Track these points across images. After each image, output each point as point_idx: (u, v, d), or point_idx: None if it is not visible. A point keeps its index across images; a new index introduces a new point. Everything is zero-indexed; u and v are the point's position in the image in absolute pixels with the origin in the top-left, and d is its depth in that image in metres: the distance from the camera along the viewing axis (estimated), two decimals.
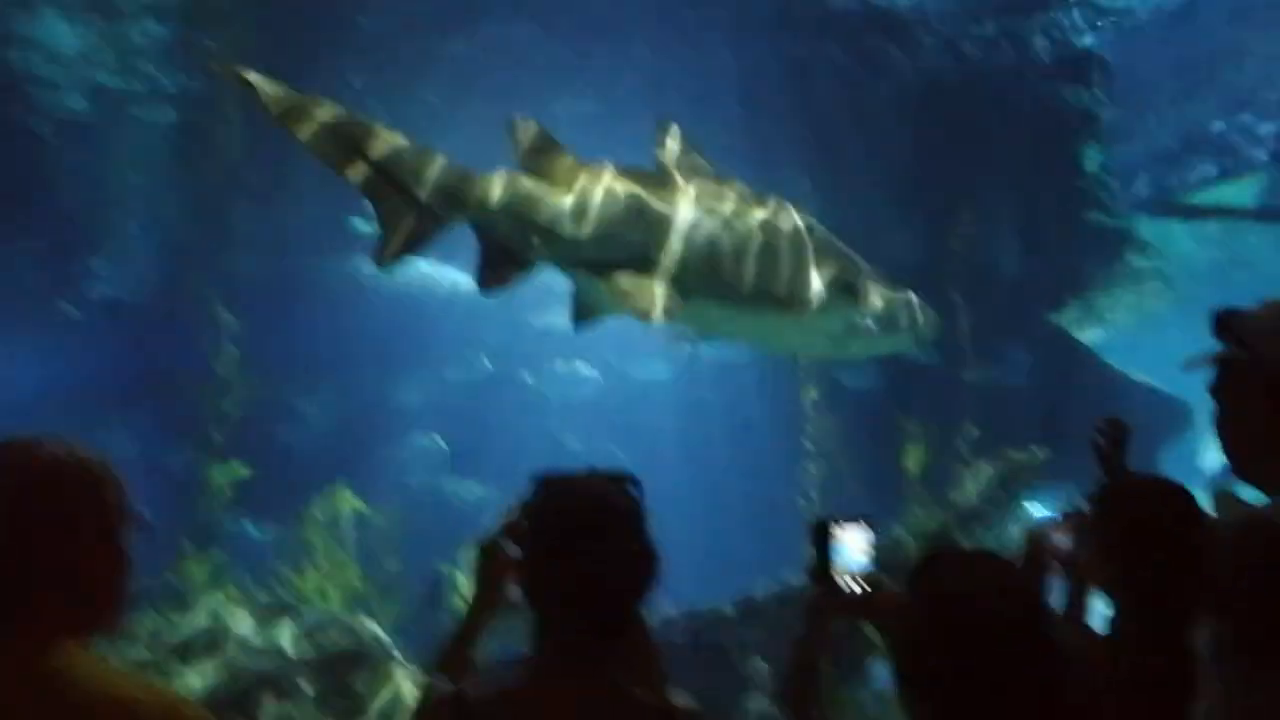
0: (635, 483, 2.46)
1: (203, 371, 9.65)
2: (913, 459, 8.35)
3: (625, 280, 5.71)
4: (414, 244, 5.55)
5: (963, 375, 9.32)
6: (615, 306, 5.92)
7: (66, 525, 2.01)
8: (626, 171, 5.97)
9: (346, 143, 5.37)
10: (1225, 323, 2.47)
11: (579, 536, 2.35)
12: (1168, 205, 11.45)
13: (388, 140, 5.44)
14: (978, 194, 10.59)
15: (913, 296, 6.83)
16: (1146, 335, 14.84)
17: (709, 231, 5.92)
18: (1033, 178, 11.11)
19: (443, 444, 13.40)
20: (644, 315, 5.70)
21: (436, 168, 5.53)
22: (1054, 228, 11.85)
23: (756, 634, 7.47)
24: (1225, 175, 10.42)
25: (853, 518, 2.66)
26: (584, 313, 6.19)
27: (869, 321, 6.57)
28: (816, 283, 6.21)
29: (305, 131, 5.31)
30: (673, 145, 6.20)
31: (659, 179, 6.04)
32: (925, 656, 2.06)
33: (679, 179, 6.07)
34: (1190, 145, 10.60)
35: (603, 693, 2.40)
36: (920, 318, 6.82)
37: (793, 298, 6.14)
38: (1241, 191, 12.20)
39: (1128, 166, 10.99)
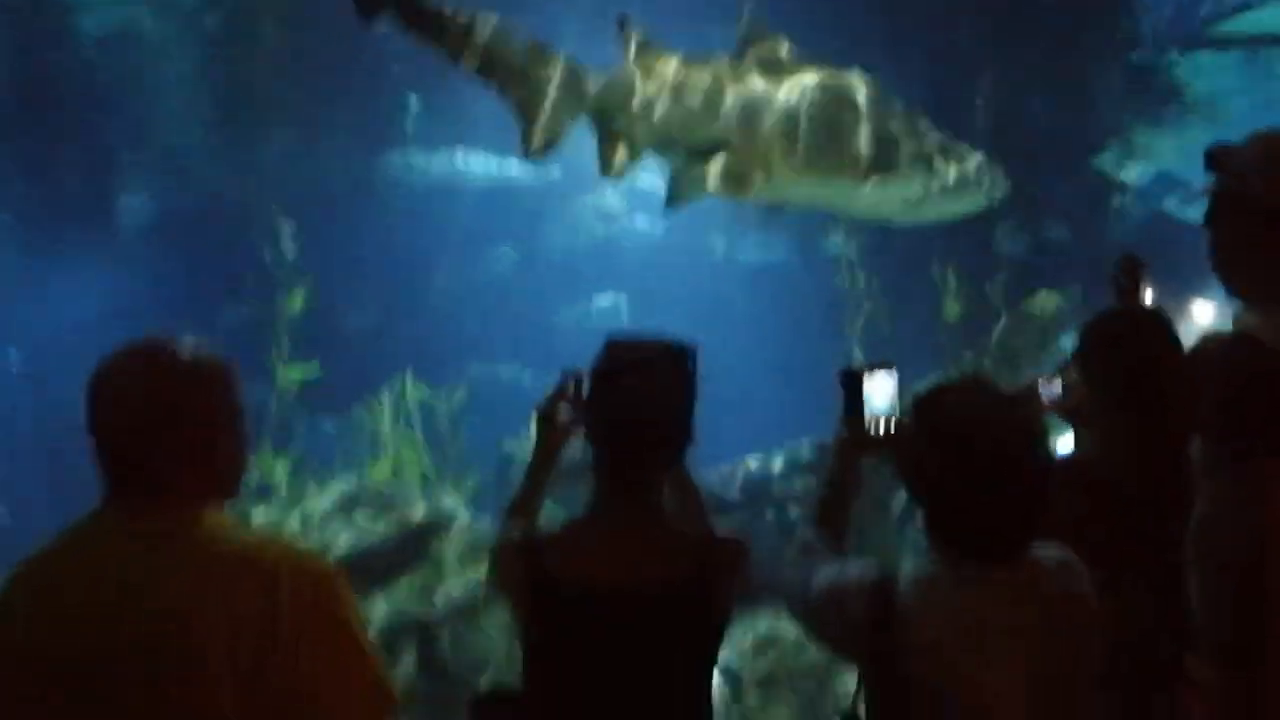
0: (687, 346, 2.77)
1: (264, 275, 9.97)
2: (951, 309, 8.60)
3: (717, 163, 6.19)
4: (551, 137, 6.03)
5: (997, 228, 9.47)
6: (708, 188, 6.35)
7: (206, 411, 2.30)
8: (716, 60, 6.43)
9: (480, 45, 5.82)
10: (1217, 157, 2.65)
11: (631, 377, 2.66)
12: (1197, 37, 11.23)
13: (519, 41, 5.91)
14: (1005, 38, 10.52)
15: (981, 159, 7.14)
16: (1195, 170, 14.67)
17: (792, 110, 6.36)
18: (1059, 16, 10.97)
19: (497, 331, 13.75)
20: (734, 195, 6.26)
21: (561, 66, 6.02)
22: (1085, 68, 11.74)
23: (800, 484, 7.85)
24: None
25: (878, 365, 2.90)
26: (678, 196, 6.61)
27: (944, 187, 6.93)
28: (894, 152, 6.64)
29: (440, 36, 5.76)
30: (753, 29, 6.62)
31: (744, 64, 6.48)
32: (926, 468, 2.36)
33: (762, 62, 6.49)
34: None
35: (654, 527, 2.73)
36: (990, 180, 7.15)
37: (872, 168, 6.54)
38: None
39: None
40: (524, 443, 8.99)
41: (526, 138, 6.05)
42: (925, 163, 6.77)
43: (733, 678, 6.24)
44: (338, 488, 7.09)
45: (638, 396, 2.64)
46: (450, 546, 6.30)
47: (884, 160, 6.60)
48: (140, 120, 12.03)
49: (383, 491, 6.99)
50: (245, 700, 2.10)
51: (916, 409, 2.44)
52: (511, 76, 5.94)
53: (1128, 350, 2.89)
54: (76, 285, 12.11)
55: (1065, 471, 2.92)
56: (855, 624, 2.38)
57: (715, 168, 6.21)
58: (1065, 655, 2.36)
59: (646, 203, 13.88)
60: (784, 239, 12.78)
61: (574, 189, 13.84)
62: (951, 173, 6.92)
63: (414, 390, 9.83)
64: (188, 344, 2.32)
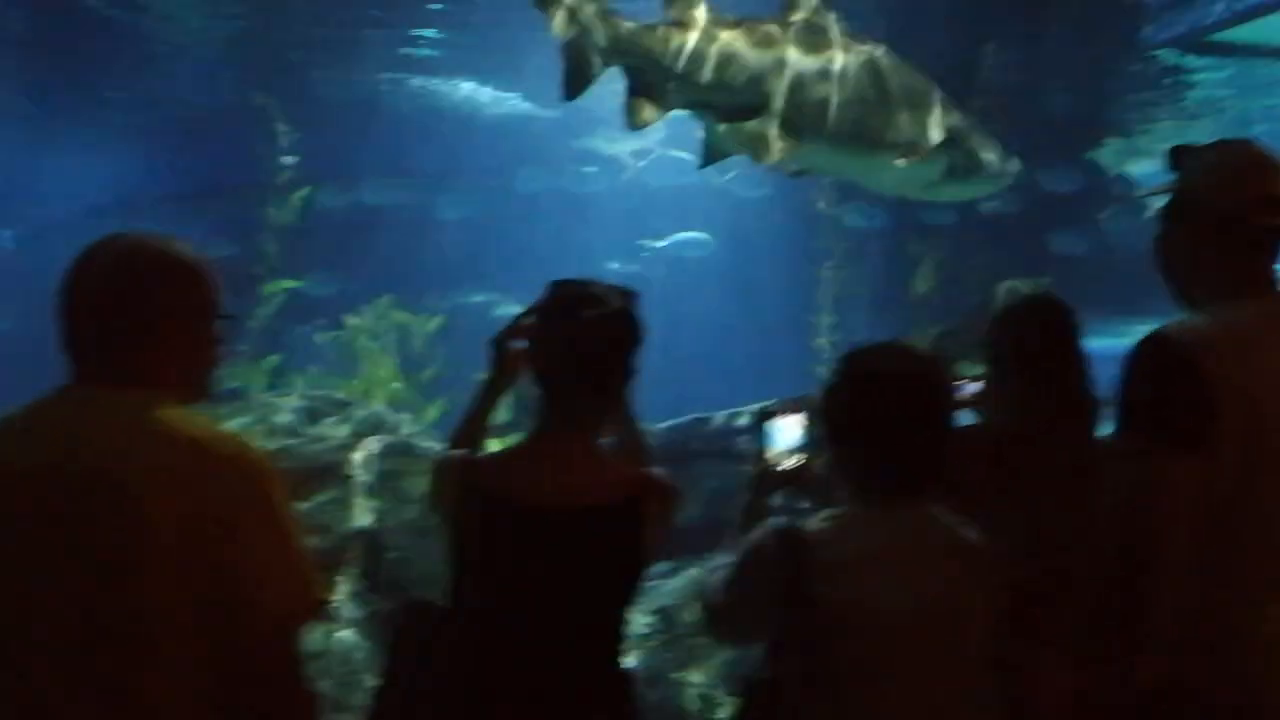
0: (633, 291, 2.93)
1: (263, 182, 10.05)
2: (922, 280, 8.80)
3: (749, 126, 6.32)
4: (587, 83, 6.20)
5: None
6: (739, 149, 6.52)
7: (176, 304, 2.37)
8: (754, 24, 6.51)
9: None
10: (1177, 156, 2.78)
11: (579, 308, 2.82)
12: (1197, 42, 11.29)
13: None
14: (1013, 29, 10.58)
15: (998, 146, 7.33)
16: None
17: (825, 81, 6.49)
18: (1071, 11, 11.03)
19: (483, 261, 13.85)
20: (763, 158, 6.36)
21: (606, 18, 6.17)
22: (1092, 64, 11.82)
23: (743, 441, 8.01)
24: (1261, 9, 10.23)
25: (789, 408, 3.10)
26: (711, 155, 6.77)
27: (963, 170, 7.11)
28: (919, 132, 6.78)
29: None
30: None
31: (781, 32, 6.57)
32: (842, 415, 2.62)
33: (804, 31, 6.60)
34: None
35: (591, 457, 2.89)
36: (1004, 167, 7.34)
37: (897, 145, 6.73)
38: None
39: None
40: None
41: (568, 77, 6.19)
42: (948, 146, 6.92)
43: (665, 618, 6.44)
44: (297, 399, 7.21)
45: (584, 331, 2.80)
46: (415, 475, 6.44)
47: (910, 140, 6.76)
48: (147, 23, 12.01)
49: (346, 406, 7.12)
50: (181, 578, 2.19)
51: (839, 365, 2.68)
52: (565, 16, 6.10)
53: (1024, 330, 3.16)
54: (89, 176, 12.19)
55: (962, 439, 3.15)
56: (770, 568, 2.55)
57: (750, 131, 6.34)
58: (963, 590, 2.57)
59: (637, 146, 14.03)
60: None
61: (575, 130, 13.90)
62: (970, 157, 7.08)
63: (394, 313, 10.00)
64: (168, 240, 2.40)
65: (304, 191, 9.95)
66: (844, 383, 2.65)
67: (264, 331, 9.50)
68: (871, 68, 6.67)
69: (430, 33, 11.84)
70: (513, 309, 11.50)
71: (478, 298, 13.79)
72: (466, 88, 13.89)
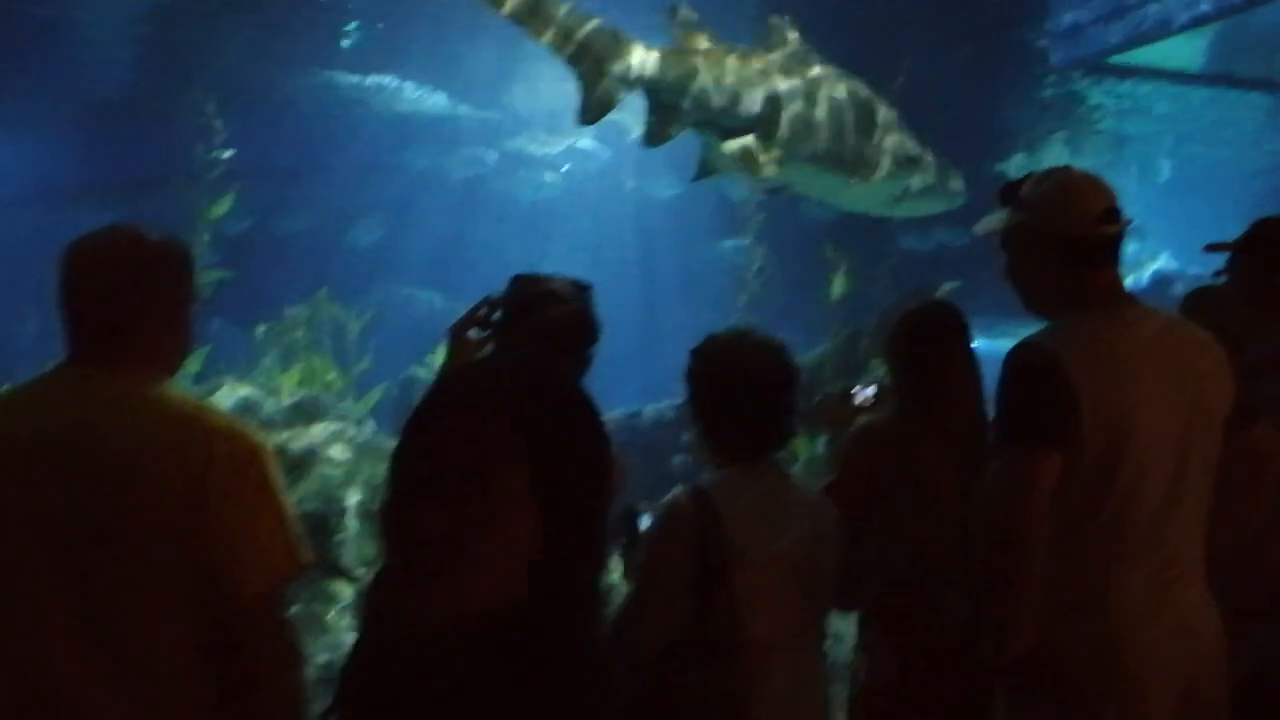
0: (587, 285, 3.20)
1: (191, 175, 10.08)
2: (838, 285, 9.29)
3: (742, 144, 6.87)
4: (605, 106, 6.64)
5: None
6: (732, 165, 7.06)
7: (167, 288, 2.55)
8: (749, 52, 7.11)
9: (555, 20, 6.40)
10: (1008, 191, 3.11)
11: (543, 305, 3.08)
12: (1101, 65, 11.86)
13: (586, 20, 6.49)
14: (927, 43, 11.04)
15: (951, 167, 8.00)
16: None
17: (810, 105, 7.09)
18: (980, 28, 11.50)
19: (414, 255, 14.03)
20: (754, 174, 6.95)
21: (622, 44, 6.60)
22: (1001, 80, 12.33)
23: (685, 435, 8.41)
24: (1161, 33, 10.80)
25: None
26: (706, 169, 7.33)
27: (920, 188, 7.76)
28: (886, 154, 7.43)
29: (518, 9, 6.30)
30: (780, 31, 7.32)
31: (773, 59, 7.17)
32: (703, 393, 3.04)
33: (787, 60, 7.21)
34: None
35: None
36: (955, 186, 8.03)
37: (865, 165, 7.37)
38: (1189, 49, 12.54)
39: (1069, 23, 11.38)
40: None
41: (583, 106, 6.60)
42: (908, 167, 7.57)
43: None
44: (242, 390, 7.36)
45: (548, 328, 3.06)
46: (349, 454, 6.68)
47: (877, 161, 7.39)
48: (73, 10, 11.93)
49: (288, 397, 7.30)
50: (178, 541, 2.36)
51: (698, 352, 3.08)
52: (580, 51, 6.48)
53: (917, 332, 3.57)
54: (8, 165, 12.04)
55: (866, 433, 3.59)
56: (689, 520, 2.90)
57: (740, 147, 6.86)
58: (811, 536, 2.99)
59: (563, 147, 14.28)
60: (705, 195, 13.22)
61: (508, 130, 14.14)
62: (926, 177, 7.74)
63: (328, 307, 10.16)
64: (154, 231, 2.60)
65: (229, 190, 9.99)
66: (703, 367, 3.05)
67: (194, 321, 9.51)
68: (846, 97, 7.27)
69: (353, 25, 11.95)
70: (439, 302, 11.72)
71: (403, 291, 13.97)
72: (391, 84, 14.03)
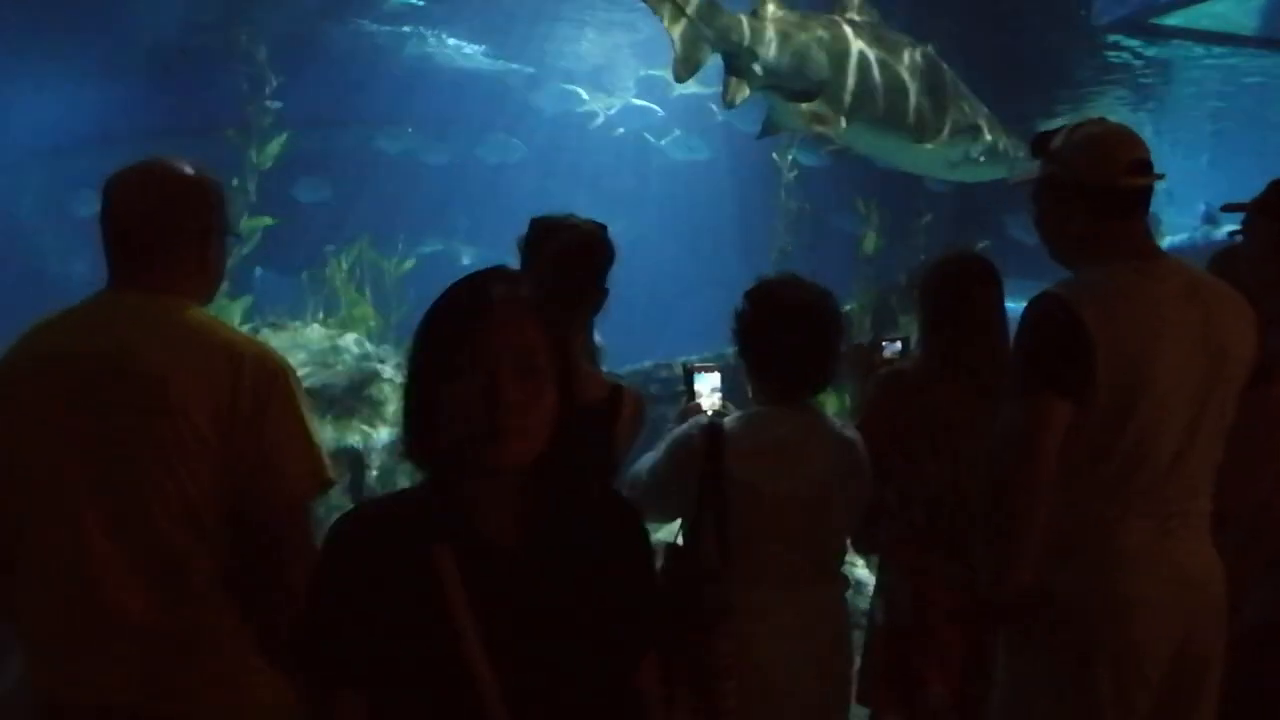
0: (601, 225, 3.33)
1: (240, 122, 10.19)
2: (869, 240, 9.35)
3: (810, 105, 7.23)
4: (696, 64, 7.03)
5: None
6: (798, 124, 7.42)
7: (202, 217, 2.64)
8: (817, 18, 7.40)
9: None
10: (1040, 142, 3.14)
11: (558, 229, 3.25)
12: (1148, 25, 11.68)
13: None
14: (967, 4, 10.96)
15: (1013, 134, 8.26)
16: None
17: (874, 70, 7.40)
18: None
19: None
20: (820, 133, 7.33)
21: (710, 8, 6.95)
22: (1047, 36, 12.21)
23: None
24: None
25: (707, 366, 3.62)
26: (772, 127, 7.74)
27: (981, 154, 8.08)
28: (947, 119, 7.76)
29: None
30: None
31: (839, 25, 7.49)
32: (755, 331, 3.16)
33: (853, 26, 7.53)
34: None
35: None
36: (1015, 152, 8.23)
37: (928, 129, 7.70)
38: (1241, 8, 12.26)
39: None
40: None
41: (677, 63, 6.96)
42: (969, 133, 7.86)
43: None
44: (291, 334, 7.53)
45: (564, 245, 3.23)
46: (387, 394, 6.84)
47: (938, 126, 7.69)
48: None
49: (334, 340, 7.47)
50: (213, 457, 2.47)
51: (750, 294, 3.20)
52: (678, 13, 6.85)
53: (948, 281, 3.63)
54: (70, 110, 12.16)
55: (889, 378, 3.66)
56: (694, 454, 3.04)
57: (809, 109, 7.21)
58: (836, 477, 3.11)
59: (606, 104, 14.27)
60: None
61: (544, 90, 14.17)
62: (987, 143, 8.02)
63: (369, 255, 10.31)
64: (188, 163, 2.68)
65: (282, 136, 10.10)
66: (753, 307, 3.17)
67: (238, 270, 9.72)
68: (910, 62, 7.53)
69: None
70: (474, 257, 11.72)
71: (443, 246, 14.09)
72: (451, 43, 14.11)
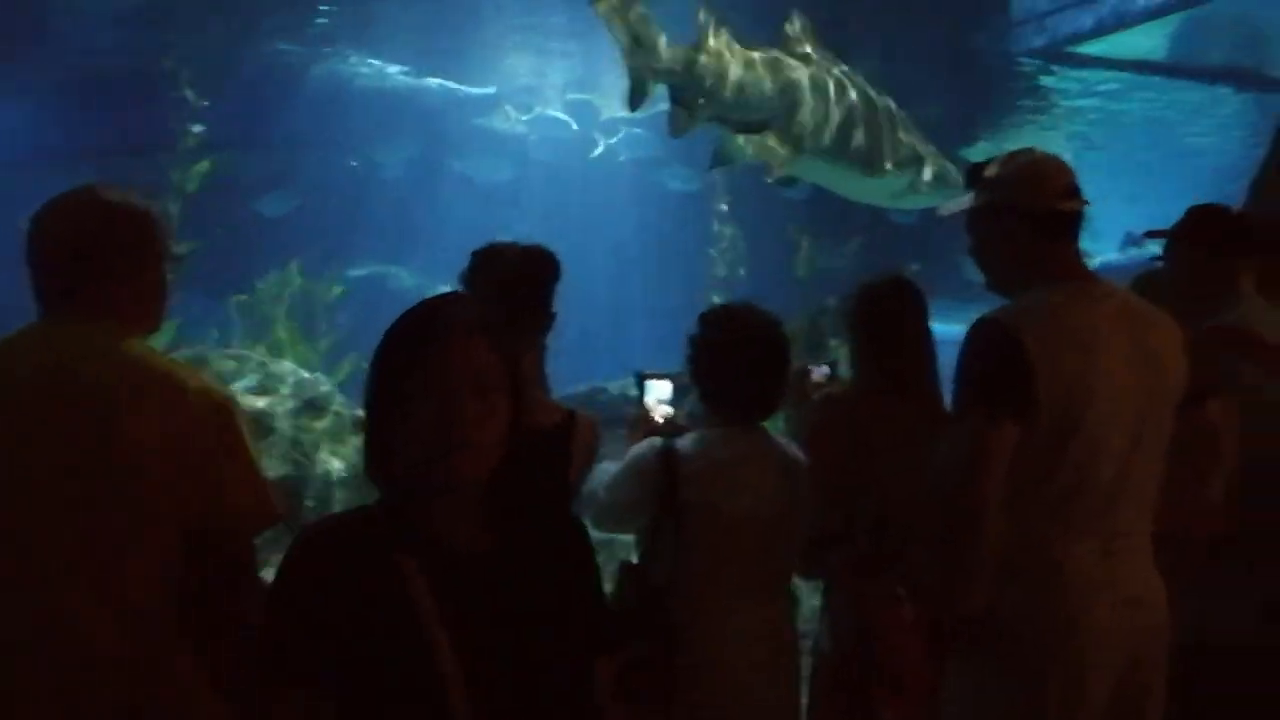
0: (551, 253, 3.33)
1: (168, 145, 10.05)
2: (801, 265, 9.54)
3: (759, 138, 7.35)
4: (643, 96, 7.13)
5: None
6: (747, 156, 7.48)
7: (135, 244, 2.59)
8: (765, 51, 7.50)
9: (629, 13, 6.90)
10: (975, 172, 3.21)
11: (503, 251, 3.28)
12: (1065, 54, 11.99)
13: (643, 14, 6.93)
14: (888, 31, 11.17)
15: (949, 163, 8.48)
16: None
17: (822, 103, 7.55)
18: (944, 17, 11.63)
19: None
20: (771, 166, 7.39)
21: (658, 38, 7.04)
22: (964, 67, 12.49)
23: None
24: (1119, 24, 10.96)
25: (660, 375, 3.66)
26: (722, 159, 7.79)
27: (925, 182, 8.26)
28: (892, 150, 7.94)
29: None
30: (795, 31, 7.79)
31: (786, 58, 7.59)
32: (708, 356, 3.28)
33: (800, 58, 7.66)
34: None
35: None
36: (955, 182, 8.35)
37: (874, 160, 7.87)
38: (1150, 39, 12.64)
39: (1032, 10, 11.54)
40: None
41: (630, 93, 7.09)
42: (913, 163, 8.06)
43: None
44: (219, 357, 7.42)
45: (509, 264, 3.24)
46: (326, 423, 6.76)
47: (884, 157, 7.88)
48: None
49: (268, 368, 7.37)
50: (161, 488, 2.42)
51: (703, 318, 3.33)
52: (633, 43, 6.94)
53: (877, 305, 3.74)
54: None
55: (829, 403, 3.72)
56: (648, 474, 3.13)
57: (759, 142, 7.35)
58: (787, 497, 3.24)
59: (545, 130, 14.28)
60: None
61: (478, 110, 14.14)
62: (928, 173, 8.22)
63: (298, 281, 10.20)
64: (123, 190, 2.65)
65: (207, 160, 9.98)
66: (708, 332, 3.30)
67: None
68: (856, 95, 7.71)
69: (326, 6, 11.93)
70: (410, 280, 11.68)
71: (375, 269, 13.95)
72: (364, 62, 14.03)
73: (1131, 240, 14.89)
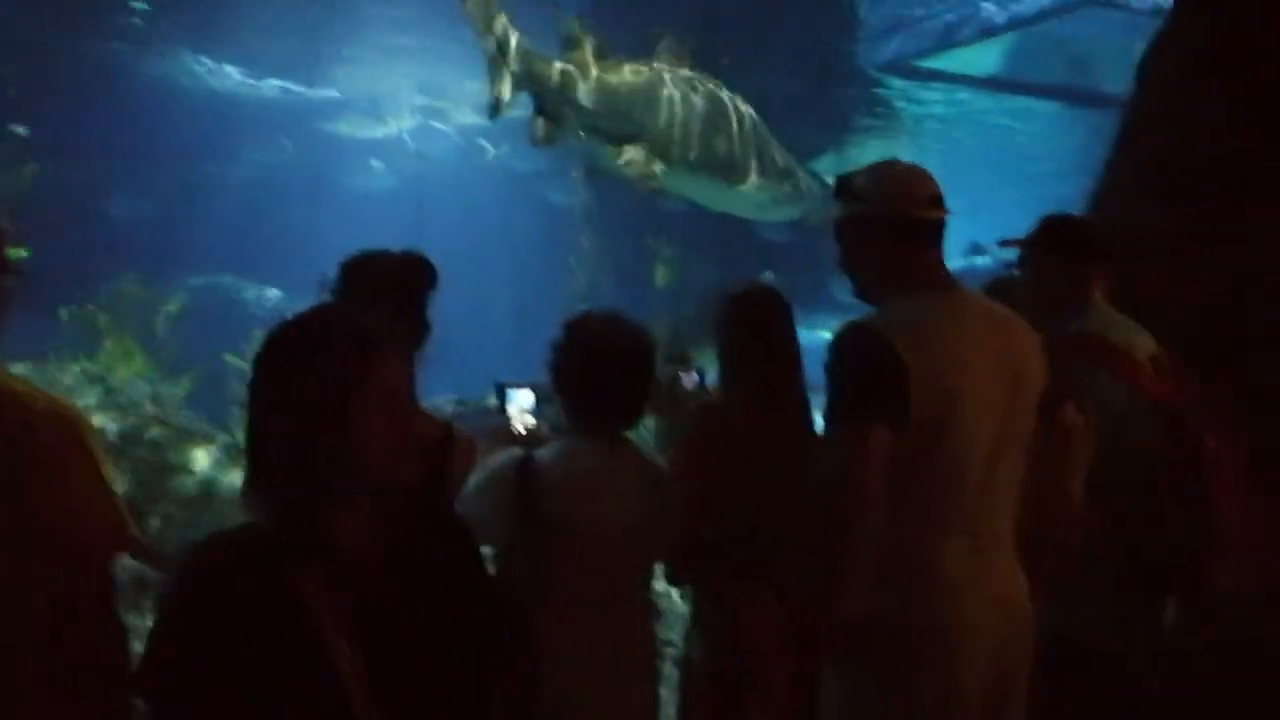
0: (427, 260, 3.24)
1: None
2: (660, 275, 9.64)
3: (629, 150, 7.40)
4: (505, 104, 7.16)
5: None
6: (617, 168, 7.49)
7: None
8: (634, 65, 7.56)
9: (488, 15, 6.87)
10: (842, 184, 3.25)
11: (375, 257, 3.16)
12: (909, 68, 12.39)
13: (507, 23, 6.95)
14: (742, 44, 11.33)
15: (811, 176, 8.66)
16: None
17: (690, 116, 7.67)
18: (793, 25, 11.86)
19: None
20: (639, 178, 7.45)
21: (522, 48, 7.06)
22: (815, 78, 12.76)
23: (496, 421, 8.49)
24: (961, 40, 11.38)
25: (521, 384, 3.60)
26: (594, 172, 7.90)
27: (787, 196, 8.43)
28: (757, 164, 8.13)
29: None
30: (666, 46, 7.89)
31: (655, 71, 7.68)
32: (571, 366, 3.21)
33: (669, 72, 7.76)
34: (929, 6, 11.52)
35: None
36: (816, 194, 8.66)
37: (740, 173, 8.04)
38: (987, 56, 13.22)
39: (881, 24, 11.87)
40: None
41: (491, 101, 7.12)
42: (776, 176, 8.22)
43: None
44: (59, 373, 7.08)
45: (383, 272, 3.14)
46: (171, 447, 6.50)
47: (749, 170, 8.03)
48: None
49: (107, 383, 7.06)
50: (14, 511, 2.33)
51: (566, 326, 3.24)
52: (497, 50, 7.00)
53: (744, 315, 3.74)
54: None
55: (704, 413, 3.71)
56: (505, 485, 3.05)
57: (628, 155, 7.40)
58: (649, 507, 3.17)
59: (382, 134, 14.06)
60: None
61: (318, 115, 13.84)
62: (791, 186, 8.38)
63: (133, 291, 9.79)
64: None
65: (32, 165, 9.51)
66: (570, 340, 3.22)
67: None
68: (723, 109, 7.85)
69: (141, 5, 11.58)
70: (254, 291, 11.42)
71: (217, 279, 13.51)
72: (211, 66, 13.61)
73: (976, 249, 15.43)
